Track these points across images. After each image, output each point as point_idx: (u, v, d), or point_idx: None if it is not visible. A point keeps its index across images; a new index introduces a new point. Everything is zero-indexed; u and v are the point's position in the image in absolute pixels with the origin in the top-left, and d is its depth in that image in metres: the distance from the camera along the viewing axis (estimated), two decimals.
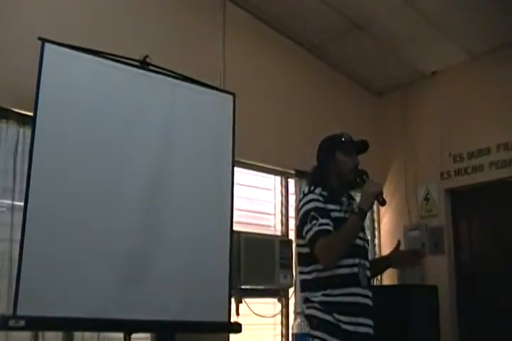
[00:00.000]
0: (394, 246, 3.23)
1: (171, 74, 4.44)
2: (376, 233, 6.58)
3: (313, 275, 2.87)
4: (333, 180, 3.01)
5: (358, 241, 2.92)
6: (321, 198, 2.90)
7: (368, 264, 2.96)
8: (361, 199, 2.84)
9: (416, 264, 3.30)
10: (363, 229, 3.03)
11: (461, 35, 5.75)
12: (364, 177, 2.94)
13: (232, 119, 4.65)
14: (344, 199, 3.00)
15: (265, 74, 5.81)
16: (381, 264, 3.23)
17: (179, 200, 4.24)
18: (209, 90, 4.63)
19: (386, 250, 6.09)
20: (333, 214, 2.88)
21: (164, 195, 4.17)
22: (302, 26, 5.92)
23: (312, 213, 2.85)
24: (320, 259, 2.80)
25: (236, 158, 4.70)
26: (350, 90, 6.69)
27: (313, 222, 2.82)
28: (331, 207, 2.91)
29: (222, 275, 4.33)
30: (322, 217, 2.83)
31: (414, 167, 6.41)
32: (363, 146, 3.05)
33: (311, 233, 2.82)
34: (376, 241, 6.53)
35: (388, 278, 6.26)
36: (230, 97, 4.70)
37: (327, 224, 2.81)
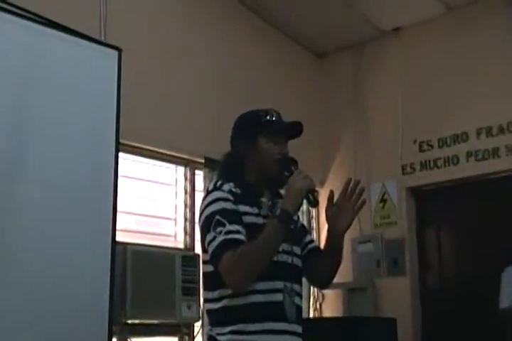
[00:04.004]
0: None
1: (29, 15, 4.14)
2: None
3: (221, 303, 2.74)
4: (250, 173, 2.92)
5: (284, 257, 2.79)
6: (230, 197, 2.78)
7: (298, 289, 2.80)
8: (285, 197, 2.75)
9: (359, 206, 2.86)
10: (292, 240, 2.86)
11: None
12: (293, 168, 2.81)
13: (117, 85, 4.45)
14: (264, 199, 2.87)
15: (170, 27, 5.61)
16: (331, 244, 2.88)
17: (38, 203, 3.97)
18: (84, 42, 4.42)
19: None
20: (248, 219, 2.77)
21: (18, 195, 3.93)
22: None
23: (217, 217, 2.73)
24: (226, 281, 2.67)
25: (122, 140, 4.54)
26: (286, 50, 6.60)
27: (218, 229, 2.70)
28: (244, 209, 2.79)
29: (99, 305, 4.16)
30: (230, 223, 2.71)
31: (366, 157, 6.33)
32: (294, 130, 2.93)
33: (215, 244, 2.69)
34: None
35: (330, 308, 6.21)
36: (114, 53, 4.53)
37: (237, 232, 2.70)
